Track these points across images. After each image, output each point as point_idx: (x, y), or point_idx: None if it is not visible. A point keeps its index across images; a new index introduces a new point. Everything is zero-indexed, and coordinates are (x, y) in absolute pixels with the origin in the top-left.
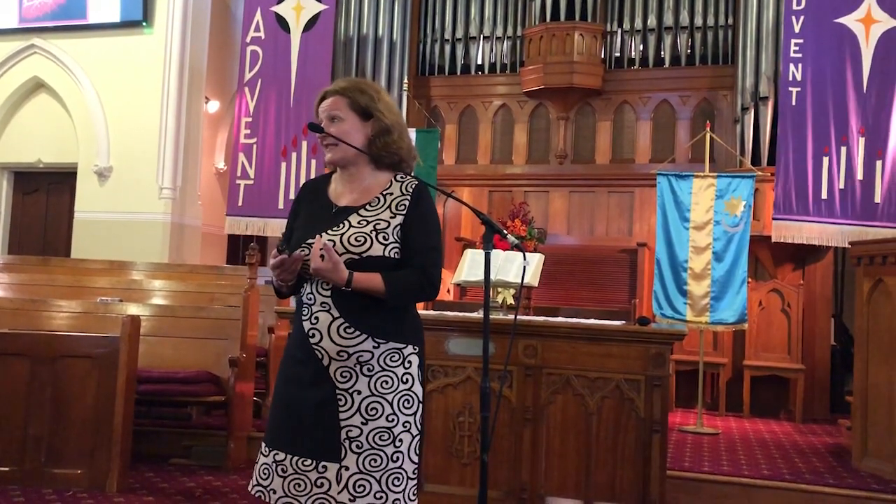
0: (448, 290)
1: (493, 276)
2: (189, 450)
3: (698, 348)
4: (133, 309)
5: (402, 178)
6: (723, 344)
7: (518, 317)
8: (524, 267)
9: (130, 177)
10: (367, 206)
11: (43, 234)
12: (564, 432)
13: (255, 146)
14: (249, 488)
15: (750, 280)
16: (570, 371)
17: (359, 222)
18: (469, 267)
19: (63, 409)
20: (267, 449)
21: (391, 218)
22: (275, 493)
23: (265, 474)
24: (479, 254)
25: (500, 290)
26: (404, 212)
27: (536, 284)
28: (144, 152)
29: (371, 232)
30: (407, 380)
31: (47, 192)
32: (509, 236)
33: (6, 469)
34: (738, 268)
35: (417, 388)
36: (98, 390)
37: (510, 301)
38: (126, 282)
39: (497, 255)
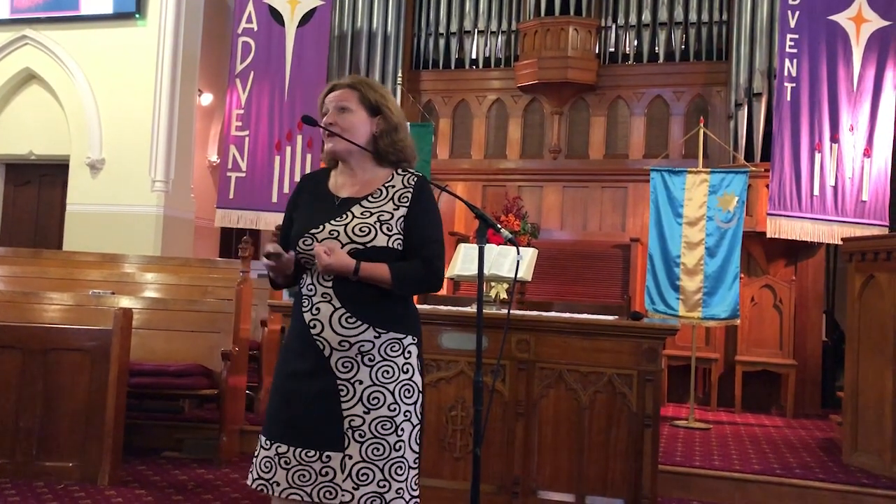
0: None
1: (486, 271)
2: (181, 443)
3: (690, 343)
4: (125, 302)
5: (403, 171)
6: (715, 339)
7: (511, 311)
8: (517, 261)
9: (123, 169)
10: (370, 198)
11: (34, 227)
12: (557, 426)
13: (246, 139)
14: (250, 482)
15: (742, 276)
16: (562, 365)
17: (362, 213)
18: (462, 261)
19: (54, 402)
20: (268, 442)
21: (395, 210)
22: (278, 485)
23: (267, 467)
24: (472, 248)
25: (493, 284)
26: (407, 204)
27: (530, 279)
28: (137, 144)
29: (375, 223)
30: (407, 369)
31: (39, 184)
32: (503, 231)
33: None
34: (731, 263)
35: (417, 378)
36: (90, 383)
37: (503, 295)
38: (118, 274)
39: (490, 249)
